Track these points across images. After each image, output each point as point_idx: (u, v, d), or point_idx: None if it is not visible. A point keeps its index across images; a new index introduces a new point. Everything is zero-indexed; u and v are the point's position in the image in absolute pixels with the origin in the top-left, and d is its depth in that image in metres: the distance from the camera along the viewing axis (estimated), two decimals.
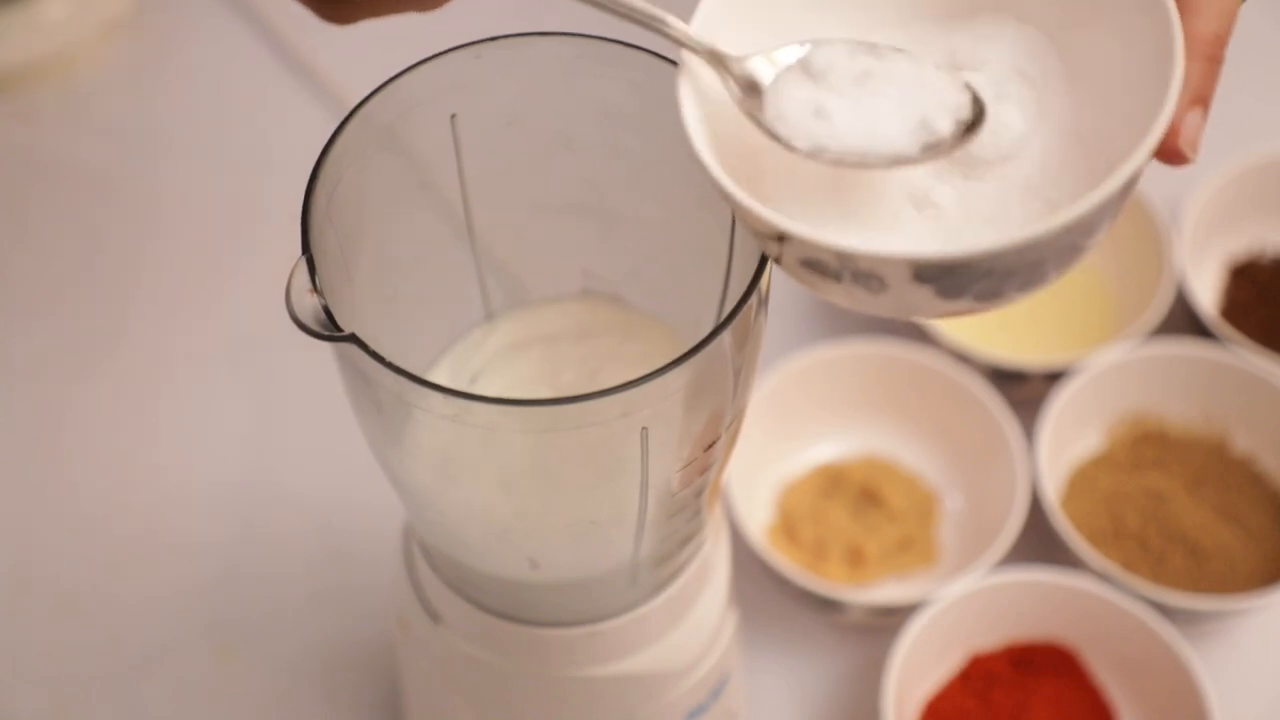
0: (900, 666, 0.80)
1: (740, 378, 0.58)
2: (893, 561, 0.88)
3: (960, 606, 0.82)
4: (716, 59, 0.53)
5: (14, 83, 1.09)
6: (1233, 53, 0.54)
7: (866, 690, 0.84)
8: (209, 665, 0.86)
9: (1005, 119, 0.53)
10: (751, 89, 0.53)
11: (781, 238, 0.50)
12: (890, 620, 0.84)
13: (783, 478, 0.91)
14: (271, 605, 0.88)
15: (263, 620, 0.87)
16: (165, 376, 0.97)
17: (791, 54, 0.54)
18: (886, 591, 0.87)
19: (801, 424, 0.92)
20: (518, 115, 0.61)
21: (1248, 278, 0.98)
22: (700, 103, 0.53)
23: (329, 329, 0.53)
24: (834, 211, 0.53)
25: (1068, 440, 0.90)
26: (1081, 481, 0.90)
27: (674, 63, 0.59)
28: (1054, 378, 0.91)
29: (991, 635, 0.84)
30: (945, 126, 0.52)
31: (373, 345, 0.53)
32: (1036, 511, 0.87)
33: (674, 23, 0.53)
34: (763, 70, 0.53)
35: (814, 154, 0.52)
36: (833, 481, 0.91)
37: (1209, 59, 0.52)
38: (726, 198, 0.51)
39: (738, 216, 0.52)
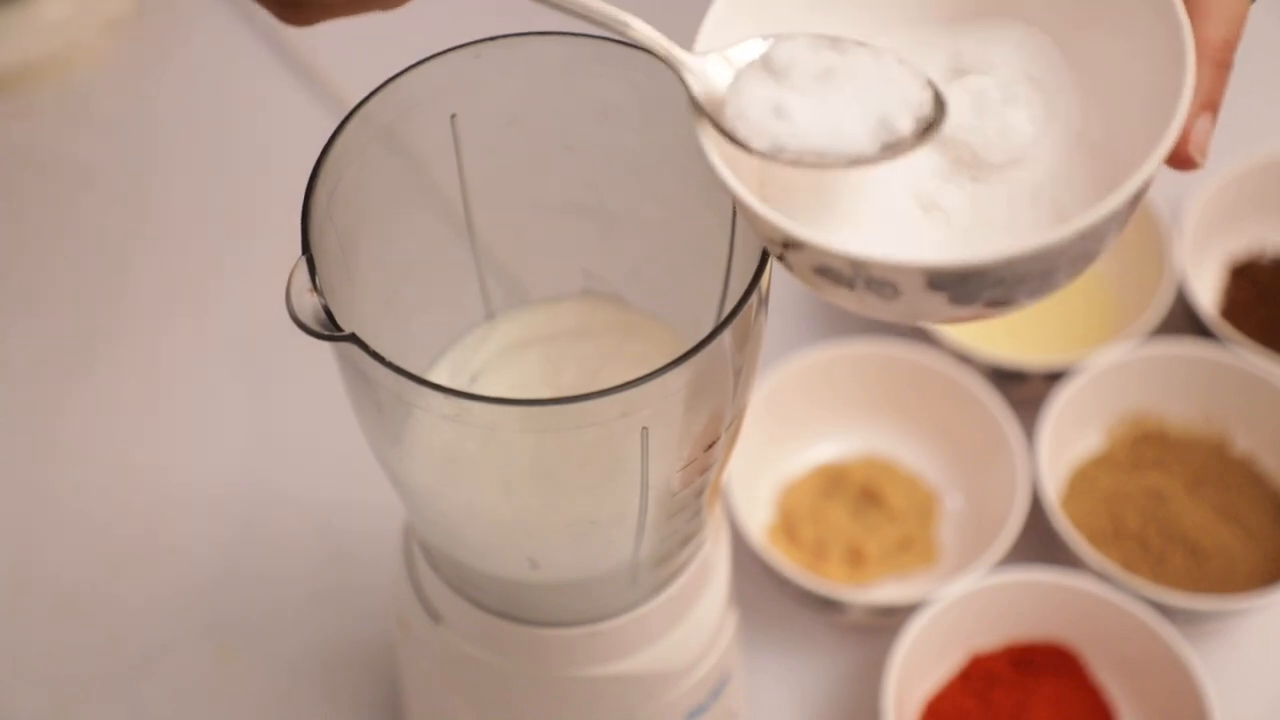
0: (900, 666, 0.80)
1: (740, 378, 0.58)
2: (893, 561, 0.88)
3: (960, 606, 0.82)
4: (673, 62, 0.53)
5: (14, 82, 1.09)
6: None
7: (866, 690, 0.84)
8: (209, 665, 0.86)
9: (1013, 123, 0.53)
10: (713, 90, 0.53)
11: (794, 245, 0.50)
12: (890, 620, 0.84)
13: (783, 478, 0.91)
14: (272, 605, 0.88)
15: (263, 620, 0.87)
16: (165, 376, 0.96)
17: (752, 51, 0.53)
18: (886, 591, 0.87)
19: (801, 424, 0.92)
20: (518, 115, 0.61)
21: (1248, 278, 0.98)
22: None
23: (329, 329, 0.53)
24: (840, 215, 0.53)
25: (1068, 440, 0.90)
26: (1081, 481, 0.90)
27: None
28: (1054, 378, 0.91)
29: (991, 635, 0.84)
30: (905, 125, 0.52)
31: (373, 345, 0.53)
32: (1036, 511, 0.87)
33: (637, 25, 0.53)
34: (719, 71, 0.53)
35: (772, 154, 0.51)
36: (833, 481, 0.91)
37: (1218, 64, 0.52)
38: (737, 202, 0.51)
39: (748, 222, 0.52)
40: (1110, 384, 0.91)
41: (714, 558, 0.69)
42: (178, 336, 0.98)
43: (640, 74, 0.59)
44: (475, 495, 0.60)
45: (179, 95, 1.10)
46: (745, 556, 0.85)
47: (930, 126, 0.52)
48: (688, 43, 0.53)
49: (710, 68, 0.53)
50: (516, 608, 0.66)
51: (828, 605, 0.85)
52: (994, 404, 0.89)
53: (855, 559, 0.87)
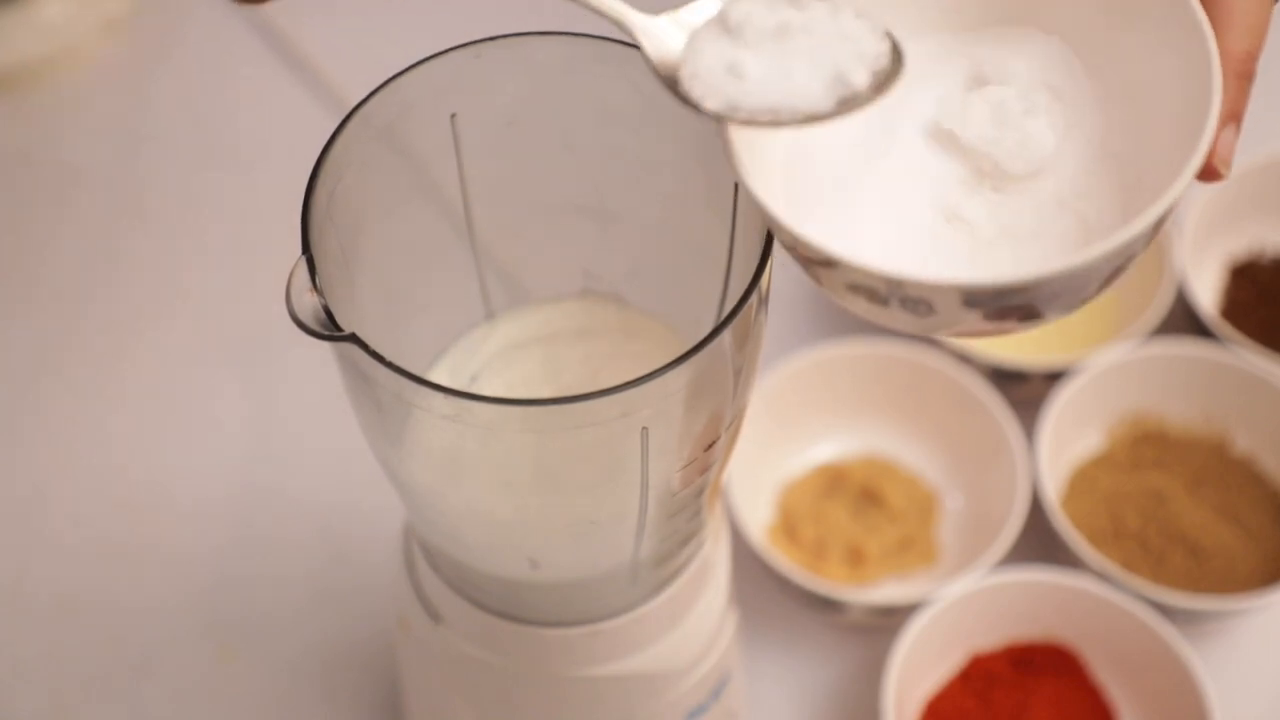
0: (900, 666, 0.80)
1: (740, 378, 0.58)
2: (893, 561, 0.88)
3: (960, 606, 0.82)
4: (626, 24, 0.52)
5: (12, 83, 1.09)
6: None
7: (866, 690, 0.84)
8: (209, 665, 0.86)
9: (1036, 133, 0.53)
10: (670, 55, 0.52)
11: (829, 263, 0.50)
12: (890, 620, 0.84)
13: (783, 478, 0.91)
14: (271, 605, 0.88)
15: (263, 620, 0.87)
16: (164, 376, 0.96)
17: (707, 10, 0.53)
18: (886, 591, 0.87)
19: (801, 424, 0.92)
20: (518, 115, 0.61)
21: (1248, 278, 0.98)
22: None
23: (329, 329, 0.53)
24: (862, 226, 0.52)
25: (1068, 440, 0.90)
26: (1081, 481, 0.90)
27: None
28: (1054, 378, 0.91)
29: (991, 635, 0.84)
30: (860, 79, 0.51)
31: (373, 345, 0.53)
32: (1036, 511, 0.87)
33: None
34: (671, 32, 0.53)
35: (727, 113, 0.51)
36: (833, 481, 0.91)
37: (1241, 75, 0.52)
38: (770, 220, 0.51)
39: (780, 240, 0.52)
40: (1110, 384, 0.91)
41: (714, 558, 0.69)
42: (177, 337, 0.98)
43: (640, 74, 0.59)
44: (475, 495, 0.60)
45: (177, 95, 1.10)
46: (745, 556, 0.85)
47: (886, 80, 0.51)
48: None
49: (663, 29, 0.53)
50: (517, 608, 0.66)
51: (828, 605, 0.85)
52: (994, 404, 0.89)
53: (855, 559, 0.87)
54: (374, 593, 0.86)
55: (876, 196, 0.54)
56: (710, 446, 0.59)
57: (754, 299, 0.55)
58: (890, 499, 0.89)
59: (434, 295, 0.67)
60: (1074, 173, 0.53)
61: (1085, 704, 0.82)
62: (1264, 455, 0.90)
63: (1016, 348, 0.93)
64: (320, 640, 0.86)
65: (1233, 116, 0.51)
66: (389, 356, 0.53)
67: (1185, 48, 0.52)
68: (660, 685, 0.69)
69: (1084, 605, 0.82)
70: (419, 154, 0.61)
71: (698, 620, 0.69)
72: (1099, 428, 0.92)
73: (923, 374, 0.91)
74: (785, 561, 0.85)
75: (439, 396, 0.54)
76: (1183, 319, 0.94)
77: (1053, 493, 0.87)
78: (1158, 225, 0.50)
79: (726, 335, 0.54)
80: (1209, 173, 0.51)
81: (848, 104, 0.51)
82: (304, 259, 0.54)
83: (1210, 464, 0.90)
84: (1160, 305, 0.92)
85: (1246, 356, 0.90)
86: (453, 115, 0.61)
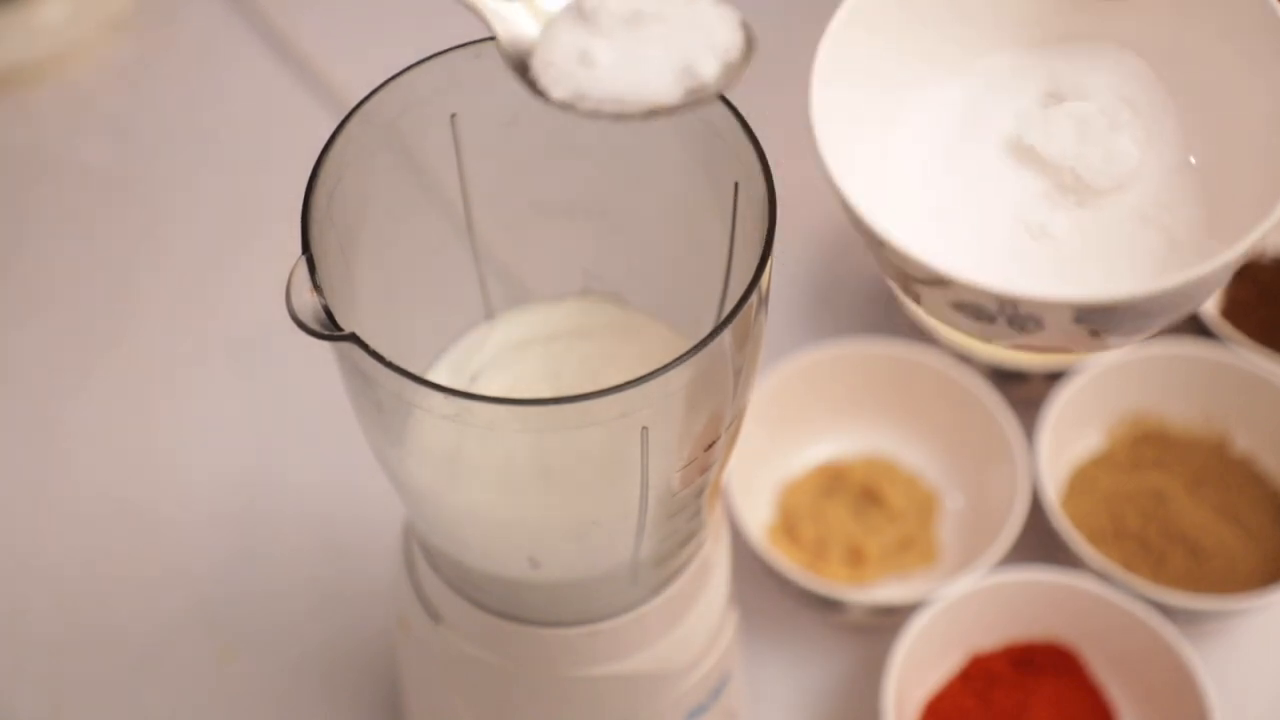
0: (900, 666, 0.80)
1: (740, 377, 0.58)
2: (893, 561, 0.88)
3: (960, 606, 0.82)
4: (477, 7, 0.52)
5: (14, 82, 1.09)
6: None
7: (866, 690, 0.84)
8: (209, 665, 0.86)
9: (1120, 147, 0.53)
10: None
11: (939, 282, 0.50)
12: (890, 620, 0.84)
13: (783, 477, 0.91)
14: (272, 605, 0.88)
15: (263, 620, 0.87)
16: (165, 376, 0.97)
17: None
18: (886, 591, 0.87)
19: (801, 424, 0.92)
20: (518, 115, 0.61)
21: (1248, 278, 0.98)
22: (835, 124, 0.53)
23: (329, 329, 0.53)
24: (947, 244, 0.53)
25: (1068, 440, 0.90)
26: (1082, 481, 0.90)
27: None
28: (1054, 378, 0.91)
29: (991, 635, 0.84)
30: (709, 70, 0.51)
31: (373, 345, 0.53)
32: (1036, 511, 0.87)
33: None
34: (524, 18, 0.52)
35: (573, 102, 0.50)
36: (833, 481, 0.91)
37: None
38: (873, 239, 0.51)
39: (884, 259, 0.52)
40: (1110, 384, 0.91)
41: (714, 558, 0.69)
42: (177, 337, 0.98)
43: None
44: (475, 495, 0.60)
45: (178, 95, 1.10)
46: (745, 556, 0.85)
47: (736, 72, 0.51)
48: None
49: (517, 14, 0.52)
50: (517, 608, 0.66)
51: (828, 605, 0.85)
52: (994, 404, 0.89)
53: (855, 559, 0.87)
54: (374, 592, 0.86)
55: (958, 212, 0.54)
56: (710, 446, 0.59)
57: (754, 299, 0.55)
58: (890, 499, 0.89)
59: (434, 295, 0.67)
60: (1155, 186, 0.54)
61: (1085, 704, 0.82)
62: (1264, 455, 0.90)
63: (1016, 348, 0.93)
64: (320, 640, 0.86)
65: None
66: (389, 356, 0.53)
67: (1270, 60, 0.52)
68: (660, 685, 0.69)
69: (1084, 605, 0.82)
70: (419, 154, 0.61)
71: (698, 620, 0.69)
72: (1099, 428, 0.92)
73: (923, 374, 0.91)
74: (785, 561, 0.85)
75: (439, 396, 0.54)
76: (1183, 319, 0.94)
77: (1053, 493, 0.87)
78: (1263, 236, 0.50)
79: (726, 335, 0.54)
80: None
81: (695, 94, 0.51)
82: (304, 259, 0.54)
83: (1210, 464, 0.90)
84: None
85: (1246, 356, 0.90)
86: (453, 115, 0.61)
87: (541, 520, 0.61)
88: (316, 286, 0.54)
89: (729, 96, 0.58)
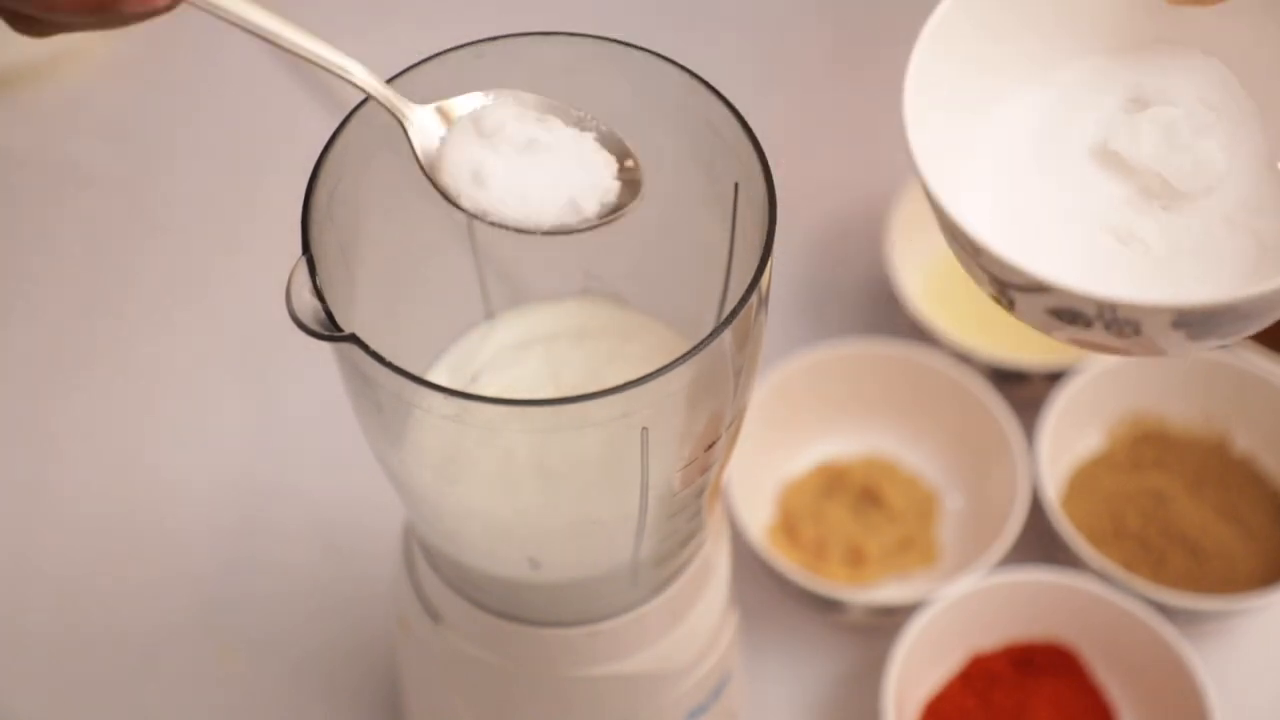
0: (900, 666, 0.80)
1: (740, 378, 0.58)
2: (893, 561, 0.88)
3: (960, 606, 0.82)
4: (396, 113, 0.55)
5: (13, 83, 1.09)
6: None
7: (866, 690, 0.84)
8: (209, 665, 0.86)
9: (1207, 152, 0.54)
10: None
11: (1041, 288, 0.50)
12: (890, 620, 0.84)
13: (783, 477, 0.91)
14: (272, 606, 0.88)
15: (263, 620, 0.87)
16: (165, 377, 0.96)
17: (469, 104, 0.56)
18: (887, 591, 0.87)
19: (801, 424, 0.92)
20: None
21: None
22: (927, 131, 0.53)
23: (329, 329, 0.53)
24: (1032, 248, 0.53)
25: (1068, 440, 0.90)
26: (1082, 481, 0.90)
27: (675, 63, 0.59)
28: (1054, 378, 0.91)
29: (991, 635, 0.84)
30: (590, 209, 0.55)
31: (373, 345, 0.53)
32: (1037, 511, 0.87)
33: (359, 73, 0.55)
34: (434, 124, 0.55)
35: (479, 216, 0.54)
36: (833, 481, 0.91)
37: None
38: (971, 247, 0.51)
39: (979, 267, 0.53)
40: (1110, 384, 0.91)
41: (714, 558, 0.69)
42: (177, 338, 0.98)
43: (640, 74, 0.59)
44: (475, 495, 0.60)
45: (178, 96, 1.10)
46: (745, 556, 0.85)
47: (613, 211, 0.55)
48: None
49: (429, 119, 0.55)
50: (517, 608, 0.66)
51: (828, 605, 0.85)
52: (994, 404, 0.89)
53: (855, 559, 0.87)
54: (374, 593, 0.86)
55: (1044, 217, 0.54)
56: (710, 446, 0.59)
57: (754, 299, 0.55)
58: (890, 499, 0.89)
59: (434, 295, 0.67)
60: (1241, 190, 0.54)
61: (1085, 704, 0.82)
62: (1264, 455, 0.90)
63: (1016, 348, 0.93)
64: (321, 640, 0.86)
65: None
66: (389, 356, 0.53)
67: None
68: (660, 685, 0.69)
69: (1084, 605, 0.82)
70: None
71: (698, 620, 0.69)
72: (1099, 428, 0.92)
73: (923, 374, 0.91)
74: (785, 561, 0.85)
75: (439, 396, 0.54)
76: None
77: (1053, 493, 0.87)
78: None
79: (726, 335, 0.54)
80: None
81: (584, 222, 0.55)
82: (304, 259, 0.54)
83: (1210, 464, 0.90)
84: None
85: (1246, 356, 0.90)
86: None
87: (541, 520, 0.61)
88: (316, 287, 0.54)
89: (729, 96, 0.58)
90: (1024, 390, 0.92)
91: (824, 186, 1.03)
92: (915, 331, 0.93)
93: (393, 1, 1.09)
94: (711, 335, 0.54)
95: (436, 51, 0.59)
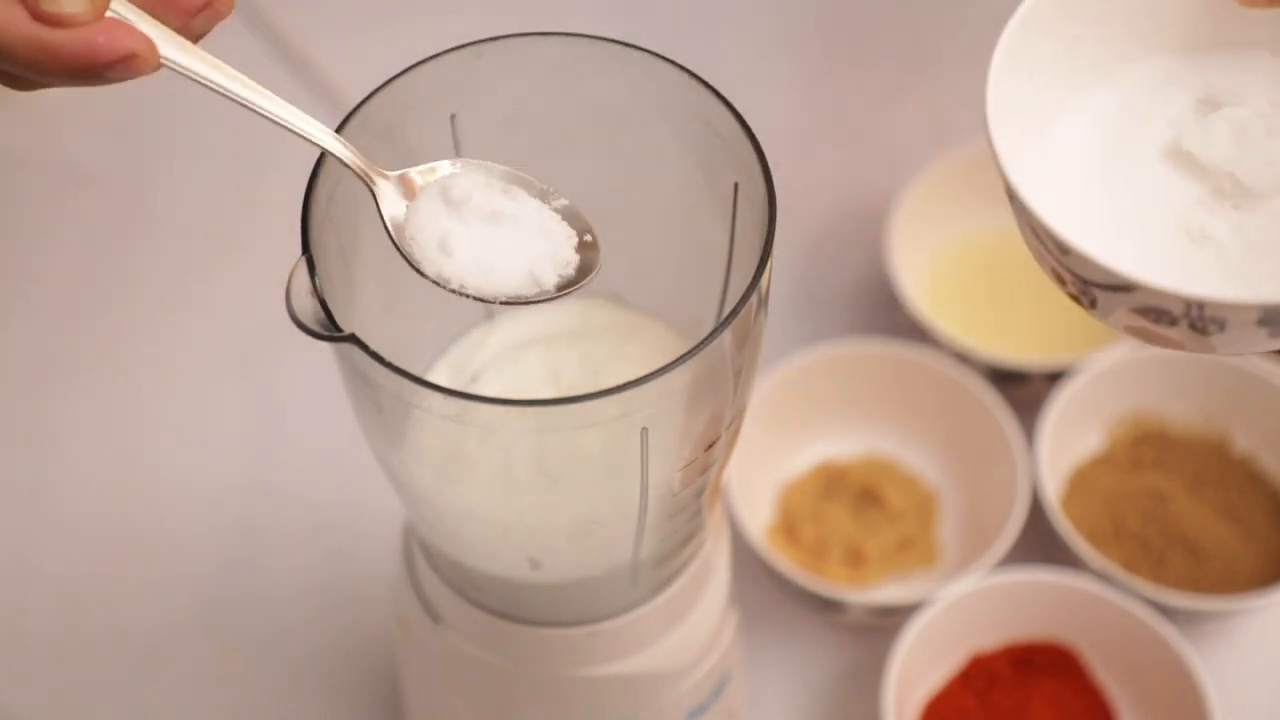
0: (900, 666, 0.80)
1: (740, 378, 0.58)
2: (893, 561, 0.88)
3: (960, 606, 0.82)
4: (369, 182, 0.55)
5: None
6: None
7: (866, 690, 0.84)
8: (210, 665, 0.86)
9: (1278, 153, 0.54)
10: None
11: (1128, 287, 0.51)
12: (890, 620, 0.84)
13: (783, 478, 0.91)
14: (272, 605, 0.88)
15: (263, 621, 0.87)
16: (165, 377, 0.96)
17: (439, 170, 0.57)
18: (886, 591, 0.87)
19: (801, 424, 0.92)
20: (518, 115, 0.61)
21: None
22: (1008, 131, 0.54)
23: (329, 329, 0.53)
24: (1107, 246, 0.53)
25: (1068, 440, 0.90)
26: (1082, 481, 0.90)
27: (675, 63, 0.59)
28: (1054, 378, 0.91)
29: (991, 635, 0.84)
30: (549, 280, 0.56)
31: (373, 345, 0.53)
32: (1037, 511, 0.87)
33: (335, 146, 0.55)
34: (397, 192, 0.56)
35: (441, 283, 0.55)
36: (833, 481, 0.91)
37: None
38: (1058, 246, 0.52)
39: (1062, 266, 0.53)
40: (1110, 384, 0.91)
41: (714, 558, 0.69)
42: (177, 337, 0.98)
43: (640, 74, 0.59)
44: (475, 495, 0.60)
45: (178, 96, 1.10)
46: (745, 556, 0.85)
47: (570, 284, 0.56)
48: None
49: (395, 189, 0.56)
50: (516, 608, 0.66)
51: (828, 605, 0.85)
52: (994, 404, 0.89)
53: (855, 559, 0.87)
54: (374, 593, 0.86)
55: (1117, 217, 0.55)
56: (710, 446, 0.59)
57: (754, 299, 0.55)
58: (890, 499, 0.89)
59: (434, 295, 0.67)
60: None
61: (1085, 704, 0.82)
62: (1264, 455, 0.90)
63: (1016, 348, 0.93)
64: (321, 640, 0.86)
65: None
66: (389, 357, 0.53)
67: None
68: (660, 685, 0.69)
69: (1084, 605, 0.82)
70: (419, 154, 0.61)
71: (698, 620, 0.69)
72: (1099, 428, 0.92)
73: (923, 374, 0.91)
74: (785, 561, 0.85)
75: (439, 396, 0.54)
76: None
77: (1053, 493, 0.87)
78: None
79: (726, 335, 0.54)
80: None
81: (542, 293, 0.56)
82: (304, 259, 0.54)
83: (1210, 464, 0.90)
84: None
85: (1247, 356, 0.90)
86: (453, 115, 0.61)
87: (541, 520, 0.61)
88: (316, 287, 0.54)
89: (729, 96, 0.58)
90: (1024, 390, 0.92)
91: (824, 186, 1.03)
92: (915, 331, 0.93)
93: (393, 1, 1.09)
94: (711, 335, 0.54)
95: (437, 51, 0.59)
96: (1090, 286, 0.52)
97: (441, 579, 0.67)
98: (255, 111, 0.54)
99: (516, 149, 0.62)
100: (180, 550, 0.90)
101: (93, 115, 1.08)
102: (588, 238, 0.57)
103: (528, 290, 0.55)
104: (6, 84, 0.53)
